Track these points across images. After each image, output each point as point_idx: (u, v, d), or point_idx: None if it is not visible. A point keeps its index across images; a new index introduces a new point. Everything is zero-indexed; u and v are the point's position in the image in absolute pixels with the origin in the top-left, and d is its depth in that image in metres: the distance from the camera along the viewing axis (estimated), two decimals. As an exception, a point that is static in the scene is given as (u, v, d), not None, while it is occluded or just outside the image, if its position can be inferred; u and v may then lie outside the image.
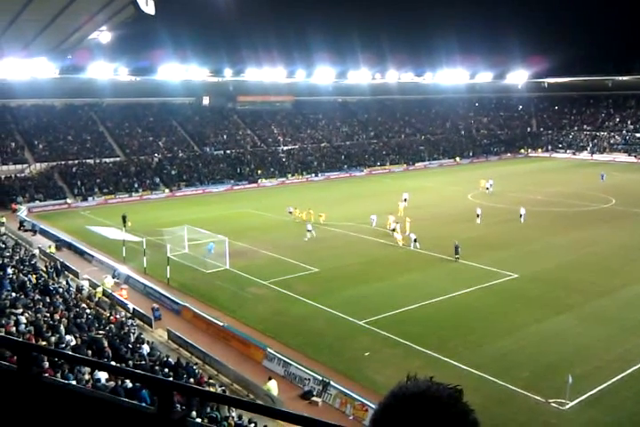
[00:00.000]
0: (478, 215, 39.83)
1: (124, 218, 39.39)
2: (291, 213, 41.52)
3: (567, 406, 16.66)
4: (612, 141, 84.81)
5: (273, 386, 17.14)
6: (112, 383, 13.29)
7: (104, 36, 24.54)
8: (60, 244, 34.77)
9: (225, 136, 70.07)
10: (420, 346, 20.49)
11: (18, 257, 28.61)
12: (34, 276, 24.72)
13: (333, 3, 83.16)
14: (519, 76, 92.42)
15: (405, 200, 45.15)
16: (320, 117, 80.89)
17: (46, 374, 2.15)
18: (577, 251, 32.60)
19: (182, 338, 20.92)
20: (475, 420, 1.32)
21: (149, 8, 17.02)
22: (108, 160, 58.90)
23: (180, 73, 64.55)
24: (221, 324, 21.92)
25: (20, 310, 18.06)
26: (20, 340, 2.14)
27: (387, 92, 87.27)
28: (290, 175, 64.45)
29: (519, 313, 23.67)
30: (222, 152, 66.32)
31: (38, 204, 49.15)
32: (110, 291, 25.65)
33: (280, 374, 18.63)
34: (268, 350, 19.40)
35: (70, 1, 16.76)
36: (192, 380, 15.90)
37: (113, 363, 15.16)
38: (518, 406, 16.95)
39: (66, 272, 28.83)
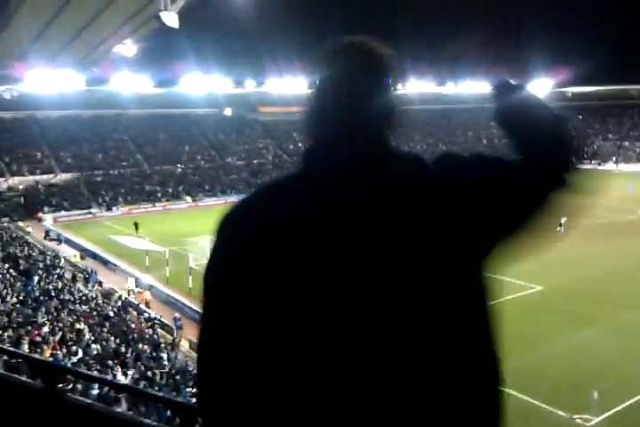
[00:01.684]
0: (561, 224, 39.34)
1: (136, 225, 40.92)
2: None
3: (592, 423, 16.31)
4: (638, 151, 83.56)
5: None
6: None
7: (128, 48, 25.05)
8: (85, 253, 35.29)
9: (247, 146, 70.63)
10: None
11: (43, 265, 29.05)
12: (59, 284, 25.11)
13: (354, 11, 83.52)
14: (542, 86, 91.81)
15: None
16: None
17: (69, 394, 2.23)
18: (602, 263, 32.09)
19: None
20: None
21: (173, 21, 17.35)
22: (131, 170, 59.72)
23: (203, 85, 65.40)
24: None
25: (44, 319, 18.32)
26: (46, 360, 2.25)
27: (407, 101, 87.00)
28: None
29: (542, 326, 23.30)
30: (244, 162, 66.82)
31: (63, 213, 49.93)
32: (134, 298, 25.97)
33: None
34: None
35: (96, 15, 17.16)
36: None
37: (131, 372, 15.29)
38: (542, 421, 16.65)
39: (90, 281, 29.20)
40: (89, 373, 3.02)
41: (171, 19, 16.75)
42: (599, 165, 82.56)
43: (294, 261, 1.21)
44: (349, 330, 1.20)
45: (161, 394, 2.25)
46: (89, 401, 2.21)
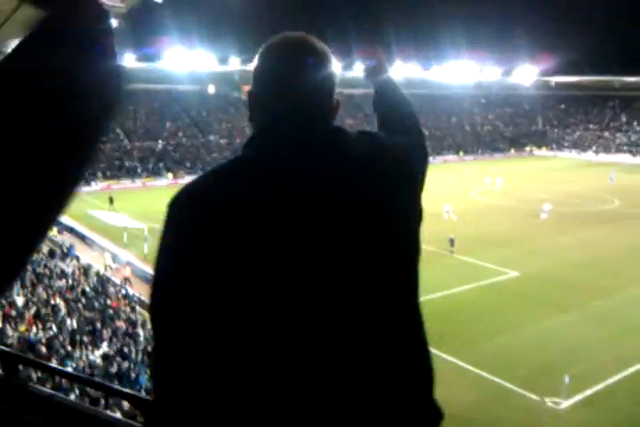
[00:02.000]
0: (545, 211, 40.31)
1: (110, 199, 41.93)
2: None
3: (563, 406, 16.67)
4: (617, 142, 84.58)
5: None
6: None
7: (111, 22, 24.44)
8: (61, 228, 34.76)
9: (229, 125, 69.96)
10: (418, 341, 20.46)
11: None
12: (35, 257, 24.70)
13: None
14: (527, 74, 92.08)
15: None
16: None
17: (32, 383, 2.20)
18: (580, 251, 32.53)
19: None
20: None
21: (157, -7, 16.88)
22: (111, 145, 58.87)
23: (187, 61, 64.40)
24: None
25: (19, 293, 18.07)
26: (8, 350, 2.19)
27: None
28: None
29: (518, 311, 23.65)
30: (226, 141, 66.23)
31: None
32: (110, 274, 25.74)
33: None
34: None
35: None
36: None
37: (105, 345, 15.18)
38: (514, 404, 16.96)
39: (68, 256, 28.86)
40: (49, 364, 2.88)
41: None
42: (579, 154, 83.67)
43: (254, 252, 1.15)
44: (311, 332, 1.18)
45: (120, 388, 2.18)
46: (51, 392, 2.13)
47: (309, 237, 1.17)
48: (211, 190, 1.27)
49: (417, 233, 1.40)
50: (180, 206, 1.26)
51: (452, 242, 31.05)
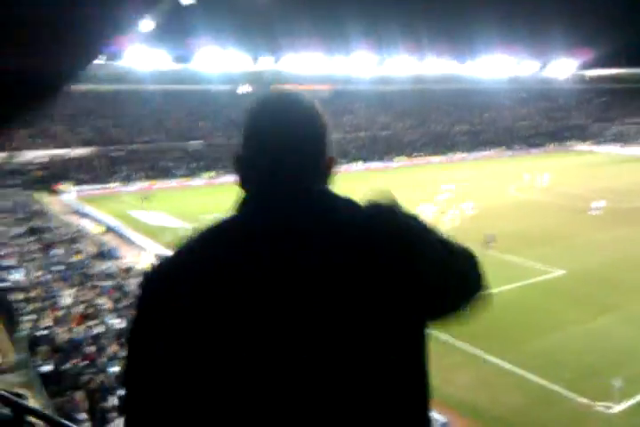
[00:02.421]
0: (596, 208, 39.71)
1: (145, 198, 42.77)
2: None
3: (614, 410, 16.22)
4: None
5: None
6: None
7: (145, 23, 24.75)
8: (107, 228, 35.54)
9: (263, 124, 70.36)
10: (462, 341, 20.16)
11: (66, 239, 29.24)
12: (77, 256, 25.28)
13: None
14: (564, 67, 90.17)
15: (448, 191, 45.16)
16: (357, 107, 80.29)
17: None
18: (624, 248, 31.69)
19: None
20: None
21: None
22: (149, 146, 59.77)
23: (219, 62, 65.06)
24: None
25: (67, 292, 18.46)
26: (16, 400, 2.16)
27: (426, 81, 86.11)
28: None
29: (564, 311, 23.14)
30: (260, 140, 66.73)
31: (84, 187, 50.22)
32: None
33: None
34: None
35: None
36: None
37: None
38: (562, 407, 16.56)
39: (111, 256, 29.36)
40: (52, 416, 2.74)
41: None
42: (619, 148, 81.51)
43: (234, 316, 1.15)
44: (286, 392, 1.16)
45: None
46: None
47: (262, 302, 1.16)
48: (194, 262, 1.24)
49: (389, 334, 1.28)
50: (145, 277, 1.29)
51: (491, 238, 30.51)
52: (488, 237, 30.45)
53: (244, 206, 1.29)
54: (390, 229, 1.29)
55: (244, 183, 1.33)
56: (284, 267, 1.17)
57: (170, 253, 1.30)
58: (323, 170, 1.37)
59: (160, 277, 1.26)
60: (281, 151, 1.28)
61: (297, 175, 1.29)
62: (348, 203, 1.34)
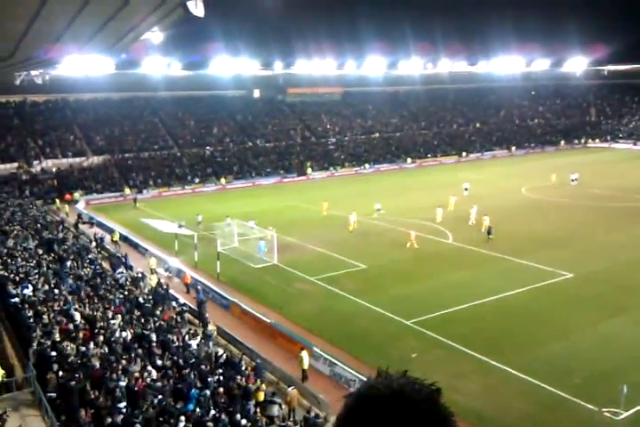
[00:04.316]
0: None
1: (134, 200, 46.96)
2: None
3: (621, 417, 16.09)
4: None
5: (305, 357, 18.34)
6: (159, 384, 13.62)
7: (156, 36, 25.02)
8: (119, 237, 35.92)
9: (275, 128, 70.49)
10: (469, 348, 20.15)
11: (76, 249, 29.58)
12: (92, 269, 25.54)
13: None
14: (578, 64, 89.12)
15: (467, 189, 46.70)
16: (369, 108, 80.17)
17: None
18: (636, 249, 31.33)
19: (230, 334, 21.32)
20: (454, 424, 1.22)
21: (199, 10, 17.19)
22: (161, 153, 60.22)
23: (231, 67, 65.26)
24: (269, 321, 22.15)
25: (76, 306, 18.71)
26: None
27: (438, 81, 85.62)
28: (339, 167, 64.36)
29: (573, 315, 22.96)
30: (272, 144, 66.81)
31: (95, 196, 50.80)
32: (163, 282, 26.41)
33: (326, 373, 18.72)
34: (314, 349, 19.49)
35: (123, 5, 17.11)
36: (240, 378, 16.01)
37: (160, 362, 15.54)
38: (569, 413, 16.46)
39: (122, 265, 29.68)
40: None
41: (196, 8, 16.60)
42: (635, 144, 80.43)
43: None
44: None
45: None
46: None
47: None
48: None
49: None
50: None
51: (489, 230, 33.36)
52: (488, 229, 33.53)
53: None
54: None
55: None
56: None
57: None
58: None
59: None
60: None
61: None
62: None
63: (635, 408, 16.38)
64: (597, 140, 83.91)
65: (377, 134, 74.57)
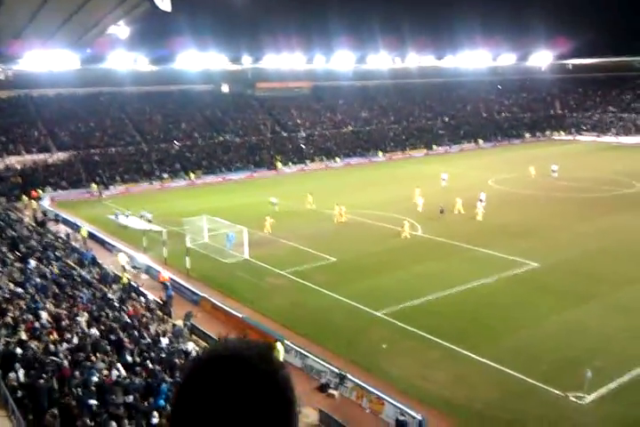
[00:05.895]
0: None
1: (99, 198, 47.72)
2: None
3: (586, 401, 16.53)
4: (638, 123, 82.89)
5: (280, 349, 18.50)
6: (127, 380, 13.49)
7: (122, 30, 24.65)
8: (87, 235, 35.34)
9: (244, 123, 70.09)
10: (439, 338, 20.43)
11: (41, 247, 29.04)
12: (57, 267, 25.11)
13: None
14: (543, 58, 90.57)
15: (444, 180, 48.16)
16: (339, 103, 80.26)
17: None
18: (601, 239, 32.04)
19: (201, 329, 21.21)
20: (284, 377, 1.25)
21: (165, 4, 17.00)
22: (129, 148, 59.35)
23: (199, 61, 64.58)
24: (240, 315, 22.10)
25: (42, 304, 18.39)
26: None
27: (407, 75, 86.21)
28: (309, 161, 64.33)
29: (540, 304, 23.42)
30: (241, 139, 66.44)
31: (60, 192, 49.82)
32: (131, 280, 26.07)
33: (297, 366, 18.77)
34: (286, 342, 19.53)
35: (85, -2, 16.79)
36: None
37: (130, 358, 15.40)
38: (537, 399, 16.84)
39: (89, 263, 29.24)
40: None
41: (163, 1, 16.43)
42: (598, 136, 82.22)
43: None
44: None
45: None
46: None
47: None
48: None
49: None
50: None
51: (441, 211, 37.19)
52: (440, 208, 37.47)
53: None
54: None
55: None
56: None
57: None
58: None
59: None
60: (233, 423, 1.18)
61: None
62: None
63: (598, 392, 16.86)
64: (562, 133, 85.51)
65: (347, 128, 74.76)
